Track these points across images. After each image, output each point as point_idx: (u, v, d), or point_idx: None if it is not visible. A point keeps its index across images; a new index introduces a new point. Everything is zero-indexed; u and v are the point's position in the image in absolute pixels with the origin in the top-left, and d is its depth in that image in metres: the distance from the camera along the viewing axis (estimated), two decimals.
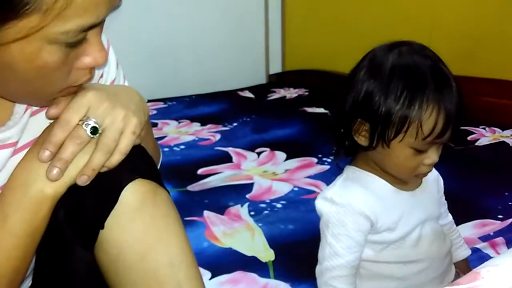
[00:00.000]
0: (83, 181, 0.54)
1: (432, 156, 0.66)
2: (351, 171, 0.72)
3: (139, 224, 0.56)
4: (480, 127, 1.70)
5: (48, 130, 0.55)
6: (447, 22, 1.95)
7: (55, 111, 0.54)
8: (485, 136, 1.64)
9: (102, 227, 0.55)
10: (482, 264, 0.42)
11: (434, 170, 0.75)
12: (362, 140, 0.67)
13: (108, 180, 0.55)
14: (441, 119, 0.63)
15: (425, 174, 0.69)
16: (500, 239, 1.03)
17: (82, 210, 0.55)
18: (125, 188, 0.55)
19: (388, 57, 0.67)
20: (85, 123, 0.53)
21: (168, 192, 0.61)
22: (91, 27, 0.49)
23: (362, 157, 0.71)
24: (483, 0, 1.88)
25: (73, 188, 0.54)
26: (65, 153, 0.53)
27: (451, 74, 0.66)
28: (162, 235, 0.56)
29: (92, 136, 0.54)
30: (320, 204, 0.71)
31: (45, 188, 0.53)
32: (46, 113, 0.55)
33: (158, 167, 0.80)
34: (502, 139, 1.61)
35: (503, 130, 1.68)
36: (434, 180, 0.75)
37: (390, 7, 2.18)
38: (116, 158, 0.55)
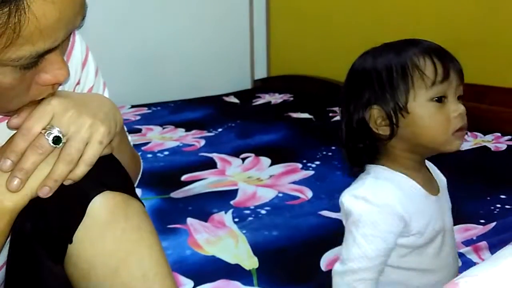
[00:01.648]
0: (45, 192, 0.52)
1: (457, 106, 0.65)
2: (380, 170, 0.68)
3: (109, 237, 0.54)
4: None
5: (11, 139, 0.53)
6: (428, 27, 1.98)
7: (16, 121, 0.52)
8: (467, 141, 1.66)
9: (70, 242, 0.53)
10: (461, 274, 0.41)
11: (444, 177, 0.76)
12: (384, 129, 0.66)
13: (74, 193, 0.53)
14: (436, 59, 0.65)
15: (463, 131, 0.67)
16: (483, 244, 1.04)
17: (49, 224, 0.53)
18: (93, 201, 0.53)
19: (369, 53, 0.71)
20: (48, 131, 0.51)
21: (142, 203, 0.59)
22: (47, 51, 0.47)
23: (386, 156, 0.69)
24: (464, 6, 1.91)
25: (39, 201, 0.53)
26: (26, 163, 0.51)
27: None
28: (135, 248, 0.55)
29: (54, 145, 0.52)
30: (350, 202, 0.67)
31: (4, 200, 0.51)
32: (7, 122, 0.54)
33: (138, 177, 0.78)
34: (484, 144, 1.63)
35: (484, 135, 1.71)
36: (446, 188, 0.75)
37: (373, 13, 2.20)
38: (81, 169, 0.53)
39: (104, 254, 0.54)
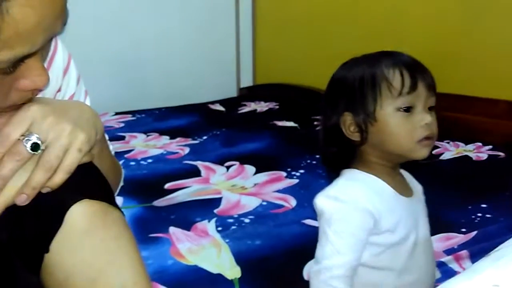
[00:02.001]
0: (22, 200, 0.51)
1: (423, 116, 0.69)
2: (351, 173, 0.73)
3: (87, 246, 0.53)
4: (445, 141, 1.74)
5: None
6: (412, 39, 2.01)
7: None
8: (449, 150, 1.68)
9: (47, 251, 0.52)
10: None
11: (420, 186, 0.79)
12: (356, 135, 0.71)
13: (52, 201, 0.52)
14: (405, 71, 0.69)
15: (429, 141, 0.70)
16: (464, 253, 1.05)
17: (25, 232, 0.52)
18: (70, 209, 0.52)
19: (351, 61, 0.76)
20: (26, 138, 0.50)
21: (122, 212, 0.58)
22: (26, 56, 0.47)
23: (360, 160, 0.73)
24: (447, 18, 1.95)
25: (16, 209, 0.51)
26: (3, 170, 0.50)
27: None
28: (114, 257, 0.54)
29: (33, 152, 0.51)
30: (322, 202, 0.71)
31: None
32: None
33: (119, 186, 0.77)
34: (465, 153, 1.66)
35: (466, 144, 1.73)
36: (421, 194, 0.79)
37: (358, 24, 2.23)
38: (60, 177, 0.52)
39: (81, 263, 0.53)
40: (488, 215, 1.21)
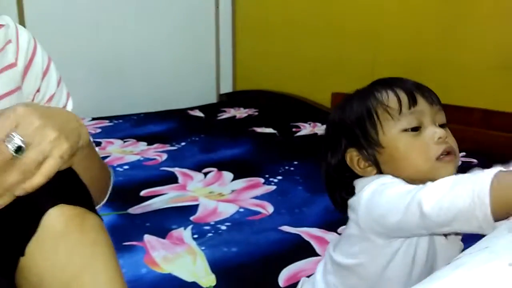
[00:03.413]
0: None
1: (433, 129, 0.63)
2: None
3: (62, 250, 0.52)
4: None
5: None
6: (389, 48, 2.05)
7: None
8: None
9: (22, 254, 0.51)
10: None
11: None
12: (369, 170, 0.66)
13: (29, 204, 0.52)
14: (399, 89, 0.65)
15: (450, 156, 0.63)
16: None
17: (0, 235, 0.51)
18: (47, 213, 0.52)
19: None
20: (10, 139, 0.49)
21: (100, 218, 0.57)
22: None
23: None
24: (423, 28, 1.99)
25: None
26: None
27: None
28: (89, 262, 0.53)
29: (15, 154, 0.50)
30: (366, 193, 0.63)
31: None
32: None
33: (109, 189, 0.77)
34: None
35: None
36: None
37: (337, 33, 2.25)
38: (36, 180, 0.51)
39: (56, 267, 0.51)
40: None
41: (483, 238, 0.44)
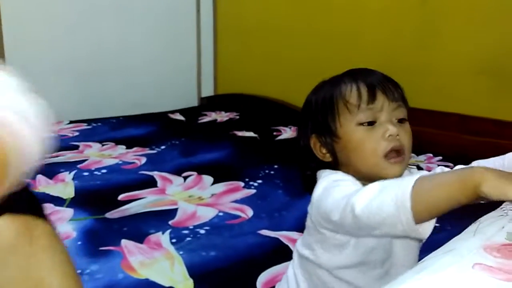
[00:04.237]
0: None
1: (386, 127, 0.65)
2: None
3: (13, 264, 0.50)
4: None
5: None
6: (368, 52, 2.08)
7: None
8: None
9: None
10: None
11: None
12: (327, 157, 0.70)
13: None
14: (363, 86, 0.67)
15: (398, 157, 0.65)
16: None
17: None
18: None
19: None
20: None
21: (51, 224, 0.55)
22: None
23: None
24: (402, 33, 2.03)
25: None
26: None
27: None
28: (42, 274, 0.51)
29: None
30: (319, 187, 0.66)
31: None
32: None
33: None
34: (417, 163, 1.71)
35: (418, 155, 1.79)
36: None
37: (317, 37, 2.28)
38: None
39: (8, 282, 0.50)
40: (436, 224, 1.24)
41: (449, 242, 0.45)
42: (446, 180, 0.52)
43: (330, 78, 0.75)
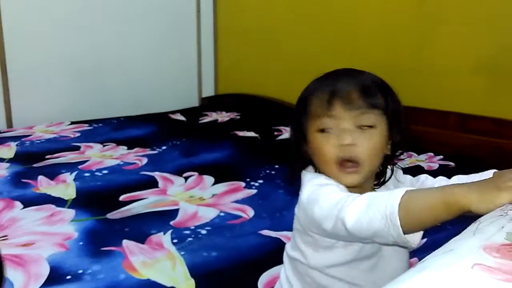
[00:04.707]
0: None
1: (339, 137, 0.66)
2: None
3: None
4: (398, 151, 1.80)
5: None
6: (367, 53, 2.08)
7: None
8: (403, 160, 1.74)
9: None
10: None
11: None
12: (307, 155, 0.72)
13: None
14: (325, 94, 0.68)
15: (351, 168, 0.66)
16: (414, 260, 1.07)
17: None
18: None
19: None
20: None
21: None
22: None
23: None
24: (401, 34, 2.03)
25: None
26: None
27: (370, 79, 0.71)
28: None
29: None
30: (307, 189, 0.69)
31: None
32: None
33: None
34: (418, 163, 1.72)
35: (419, 154, 1.80)
36: None
37: (316, 39, 2.28)
38: None
39: None
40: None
41: (448, 241, 0.45)
42: (431, 203, 0.55)
43: (322, 75, 0.74)
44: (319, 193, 0.65)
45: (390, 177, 0.74)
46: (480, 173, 0.73)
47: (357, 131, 0.67)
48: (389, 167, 0.74)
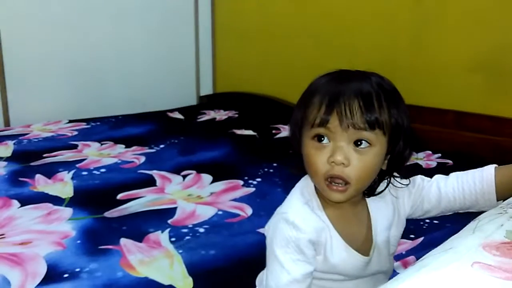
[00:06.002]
0: None
1: (335, 152, 0.61)
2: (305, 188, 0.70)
3: None
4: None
5: None
6: (365, 50, 2.08)
7: None
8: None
9: None
10: None
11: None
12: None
13: None
14: (324, 105, 0.63)
15: (336, 186, 0.63)
16: (411, 258, 1.08)
17: None
18: None
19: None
20: None
21: None
22: None
23: None
24: (397, 31, 2.03)
25: None
26: None
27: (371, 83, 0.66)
28: None
29: None
30: (281, 225, 0.67)
31: None
32: None
33: None
34: (416, 161, 1.72)
35: (417, 152, 1.79)
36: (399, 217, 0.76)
37: (314, 37, 2.27)
38: None
39: None
40: (435, 221, 1.25)
41: (448, 240, 0.45)
42: None
43: (326, 73, 0.69)
44: (273, 260, 0.66)
45: (384, 189, 0.71)
46: (481, 168, 0.71)
47: (351, 149, 0.62)
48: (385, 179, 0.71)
